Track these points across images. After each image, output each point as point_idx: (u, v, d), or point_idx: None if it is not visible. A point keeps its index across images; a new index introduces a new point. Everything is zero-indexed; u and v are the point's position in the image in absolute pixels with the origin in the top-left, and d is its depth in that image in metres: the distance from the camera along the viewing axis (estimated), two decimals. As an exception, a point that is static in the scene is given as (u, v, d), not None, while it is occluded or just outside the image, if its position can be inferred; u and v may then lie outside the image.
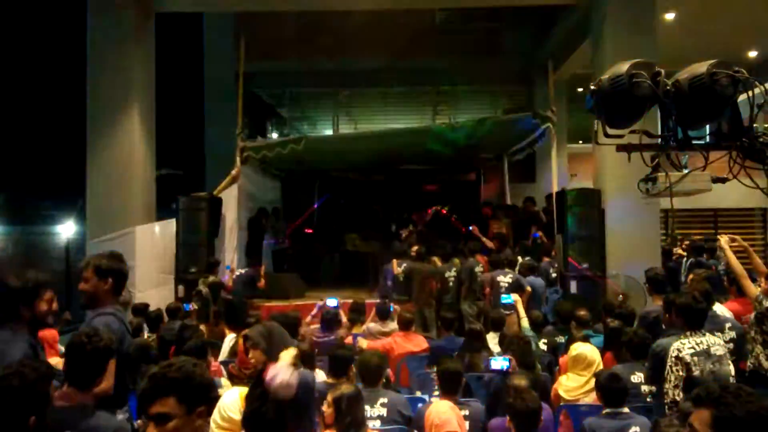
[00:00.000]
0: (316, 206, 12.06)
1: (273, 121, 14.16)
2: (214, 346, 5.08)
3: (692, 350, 3.34)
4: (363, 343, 5.31)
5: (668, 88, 2.33)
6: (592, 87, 2.39)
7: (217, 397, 2.81)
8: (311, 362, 4.30)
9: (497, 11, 11.80)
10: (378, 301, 6.66)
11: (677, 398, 3.31)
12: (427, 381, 4.79)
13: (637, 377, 3.94)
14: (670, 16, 9.76)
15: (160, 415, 1.78)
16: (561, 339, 5.38)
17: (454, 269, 7.80)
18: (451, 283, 7.71)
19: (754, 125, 2.32)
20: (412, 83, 12.83)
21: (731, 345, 4.14)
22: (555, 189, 8.38)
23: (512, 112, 11.57)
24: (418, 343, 5.42)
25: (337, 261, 11.57)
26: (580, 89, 12.38)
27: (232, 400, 3.03)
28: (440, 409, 3.32)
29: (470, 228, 9.16)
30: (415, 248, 8.13)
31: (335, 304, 6.01)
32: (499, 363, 4.20)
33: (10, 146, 10.75)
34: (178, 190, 8.82)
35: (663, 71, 2.34)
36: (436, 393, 4.00)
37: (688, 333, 3.44)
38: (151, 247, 8.08)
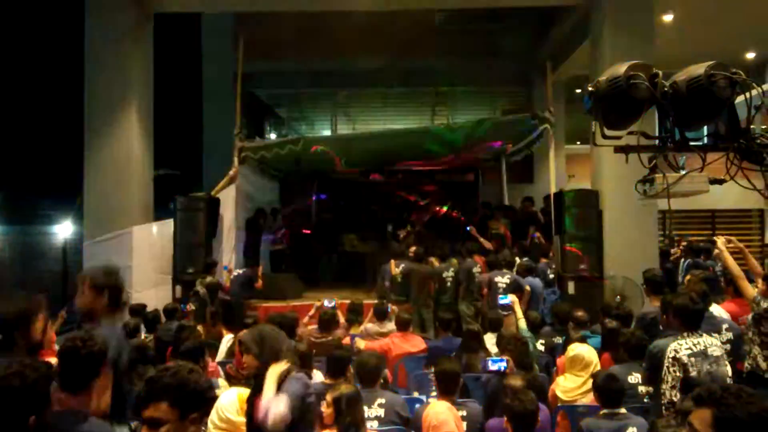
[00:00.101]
0: (313, 198, 12.10)
1: (271, 122, 14.16)
2: (212, 346, 5.07)
3: (689, 351, 3.35)
4: (361, 343, 5.32)
5: (666, 89, 2.33)
6: (590, 88, 2.39)
7: (212, 402, 2.81)
8: (309, 363, 4.31)
9: (496, 12, 11.81)
10: (376, 301, 6.65)
11: (674, 399, 3.31)
12: (424, 382, 4.80)
13: (635, 378, 3.95)
14: (668, 18, 9.77)
15: (153, 420, 1.80)
16: (558, 340, 5.39)
17: (452, 270, 7.81)
18: (448, 284, 7.72)
19: (752, 127, 2.32)
20: (410, 84, 12.83)
21: (728, 346, 4.15)
22: (553, 190, 8.39)
23: (511, 113, 11.60)
24: (415, 343, 5.42)
25: (335, 262, 11.57)
26: (578, 90, 12.41)
27: (229, 401, 3.03)
28: (438, 409, 3.32)
29: (468, 228, 9.17)
30: (413, 249, 8.14)
31: (333, 305, 6.01)
32: (496, 364, 4.20)
33: (7, 146, 10.73)
34: (175, 190, 8.81)
35: (660, 73, 2.35)
36: (434, 394, 4.00)
37: (685, 334, 3.45)
38: (148, 248, 8.06)
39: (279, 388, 2.43)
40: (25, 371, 1.90)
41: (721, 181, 2.43)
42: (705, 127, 2.63)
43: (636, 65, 2.33)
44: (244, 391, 2.93)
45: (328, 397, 3.01)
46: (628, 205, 7.14)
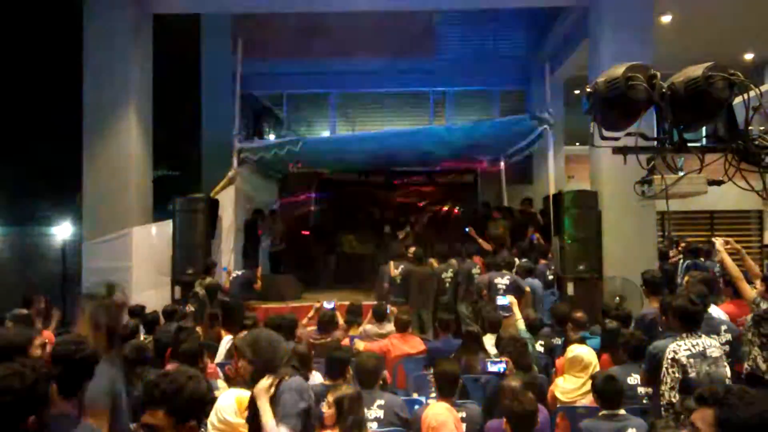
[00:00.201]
0: (313, 199, 12.11)
1: (270, 123, 14.15)
2: (211, 348, 5.07)
3: (688, 352, 3.35)
4: (360, 345, 5.31)
5: (664, 90, 2.33)
6: (588, 90, 2.39)
7: (212, 405, 2.81)
8: (308, 364, 4.31)
9: (495, 13, 11.82)
10: (375, 302, 6.65)
11: (673, 400, 3.31)
12: (423, 383, 4.79)
13: (634, 379, 3.95)
14: (666, 19, 9.79)
15: (149, 426, 1.80)
16: (558, 341, 5.39)
17: (451, 271, 7.81)
18: (447, 285, 7.72)
19: (750, 128, 2.32)
20: (409, 85, 12.83)
21: (727, 347, 4.15)
22: (552, 191, 8.39)
23: (509, 114, 11.59)
24: (414, 344, 5.42)
25: (334, 263, 11.56)
26: (577, 91, 12.42)
27: (228, 403, 3.03)
28: (437, 411, 3.31)
29: (467, 230, 9.17)
30: (412, 250, 8.14)
31: (332, 306, 6.01)
32: (496, 365, 4.20)
33: (6, 147, 10.73)
34: (174, 191, 8.80)
35: (659, 74, 2.35)
36: (433, 395, 4.00)
37: (684, 335, 3.45)
38: (147, 249, 8.06)
39: (274, 399, 2.41)
40: (24, 372, 1.90)
41: (719, 182, 2.43)
42: (704, 129, 2.64)
43: (634, 66, 2.33)
44: (242, 393, 2.93)
45: (330, 398, 3.00)
46: (627, 206, 7.16)
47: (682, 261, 8.26)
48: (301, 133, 13.00)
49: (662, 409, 3.37)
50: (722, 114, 2.36)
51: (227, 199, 8.55)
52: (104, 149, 8.18)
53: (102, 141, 8.17)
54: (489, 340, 5.20)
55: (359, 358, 3.81)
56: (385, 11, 10.02)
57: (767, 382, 4.02)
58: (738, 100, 2.33)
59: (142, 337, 5.61)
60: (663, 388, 3.37)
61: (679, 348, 3.38)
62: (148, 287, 7.86)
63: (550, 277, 7.81)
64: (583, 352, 4.28)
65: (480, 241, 8.83)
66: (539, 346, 5.26)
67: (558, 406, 4.13)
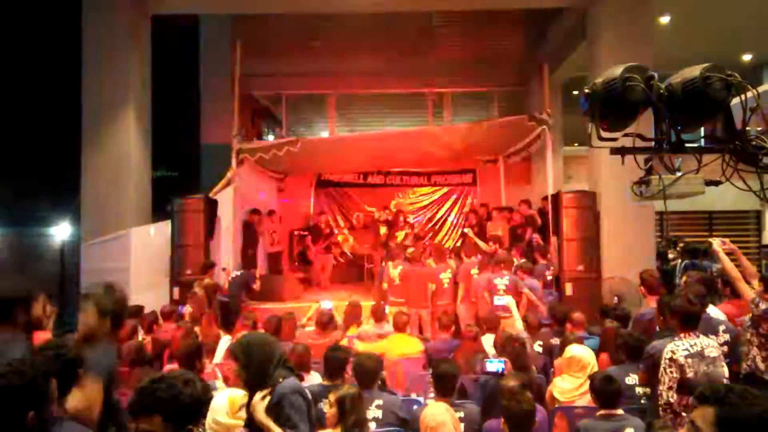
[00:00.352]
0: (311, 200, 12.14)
1: (269, 123, 14.16)
2: (209, 348, 5.06)
3: (686, 352, 3.36)
4: (358, 345, 5.32)
5: (661, 91, 2.34)
6: (586, 90, 2.40)
7: (208, 405, 2.82)
8: (307, 365, 4.32)
9: (493, 14, 11.83)
10: (373, 303, 6.66)
11: (671, 400, 3.32)
12: (422, 383, 4.80)
13: (632, 379, 3.95)
14: (664, 20, 9.81)
15: None
16: (556, 341, 5.39)
17: (450, 271, 7.81)
18: (446, 286, 7.72)
19: (747, 128, 2.33)
20: (408, 86, 12.84)
21: (725, 348, 4.16)
22: (550, 191, 8.40)
23: (508, 115, 11.60)
24: (413, 345, 5.42)
25: (333, 263, 11.57)
26: (576, 92, 12.44)
27: (220, 404, 3.04)
28: (435, 411, 3.32)
29: (465, 230, 9.18)
30: (410, 250, 8.14)
31: (330, 306, 6.01)
32: (494, 365, 4.21)
33: (4, 147, 10.72)
34: (173, 191, 8.80)
35: (656, 75, 2.35)
36: (432, 395, 4.00)
37: (682, 335, 3.46)
38: (146, 249, 8.06)
39: (271, 405, 2.42)
40: (23, 369, 1.91)
41: (717, 183, 2.44)
42: (702, 129, 2.65)
43: (632, 67, 2.33)
44: (235, 393, 2.94)
45: (331, 398, 3.01)
46: (626, 206, 7.18)
47: (680, 261, 8.27)
48: (299, 133, 13.00)
49: (660, 408, 3.38)
50: (720, 115, 2.37)
51: (226, 200, 8.56)
52: (103, 150, 8.18)
53: (101, 141, 8.17)
54: (487, 340, 5.21)
55: (358, 359, 3.81)
56: (384, 12, 10.03)
57: (766, 382, 4.03)
58: (736, 100, 2.33)
59: (140, 338, 5.61)
60: (661, 387, 3.38)
61: (677, 348, 3.39)
62: (147, 288, 7.86)
63: (549, 278, 7.82)
64: (581, 352, 4.28)
65: (478, 241, 8.84)
66: (537, 346, 5.27)
67: (556, 405, 4.13)
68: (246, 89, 11.09)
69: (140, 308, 6.58)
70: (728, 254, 4.51)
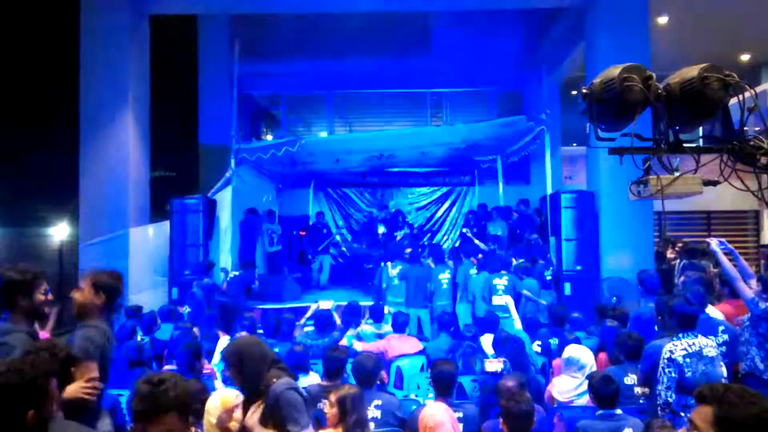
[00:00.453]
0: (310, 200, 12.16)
1: (268, 124, 14.15)
2: (208, 348, 5.06)
3: (684, 352, 3.37)
4: (357, 345, 5.32)
5: (659, 91, 2.34)
6: (584, 91, 2.40)
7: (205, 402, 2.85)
8: (306, 365, 4.32)
9: (492, 14, 11.83)
10: (372, 303, 6.66)
11: (669, 399, 3.33)
12: (421, 383, 4.80)
13: (631, 379, 3.96)
14: (663, 20, 9.82)
15: None
16: (555, 341, 5.40)
17: (448, 271, 7.82)
18: (445, 285, 7.73)
19: (745, 129, 2.34)
20: (407, 86, 12.85)
21: (724, 348, 4.17)
22: (549, 191, 8.41)
23: (507, 115, 11.61)
24: (412, 345, 5.42)
25: (333, 263, 11.57)
26: (574, 92, 12.45)
27: (212, 405, 3.05)
28: (434, 411, 3.31)
29: (464, 230, 9.18)
30: (409, 250, 8.15)
31: (330, 307, 6.01)
32: (493, 365, 4.22)
33: (3, 147, 10.70)
34: (172, 192, 8.79)
35: (654, 75, 2.36)
36: (431, 395, 4.00)
37: (680, 335, 3.47)
38: (144, 250, 8.06)
39: (268, 408, 2.44)
40: (23, 368, 1.92)
41: (715, 183, 2.44)
42: (700, 129, 2.65)
43: (630, 68, 2.34)
44: (226, 392, 2.94)
45: (332, 398, 3.01)
46: (624, 206, 7.17)
47: (679, 261, 8.28)
48: (298, 133, 13.01)
49: (658, 408, 3.39)
50: (718, 115, 2.37)
51: (225, 200, 8.56)
52: (101, 150, 8.17)
53: (99, 142, 8.17)
54: (486, 340, 5.21)
55: (357, 359, 3.81)
56: (383, 12, 10.03)
57: (765, 382, 4.03)
58: (734, 100, 2.34)
59: (139, 338, 5.61)
60: (659, 387, 3.39)
61: (676, 348, 3.40)
62: (146, 288, 7.87)
63: (549, 278, 7.83)
64: (580, 352, 4.28)
65: (477, 241, 8.85)
66: (536, 346, 5.27)
67: (555, 405, 4.14)
68: (244, 89, 11.09)
69: (139, 308, 6.57)
70: (725, 254, 4.51)
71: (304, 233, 11.16)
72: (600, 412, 3.40)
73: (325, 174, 12.04)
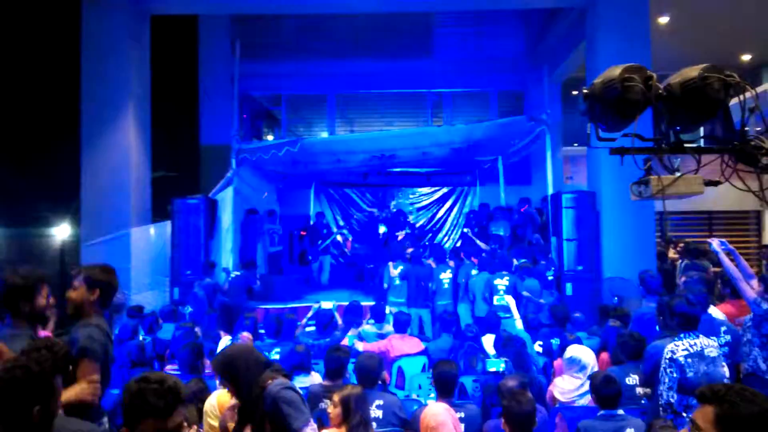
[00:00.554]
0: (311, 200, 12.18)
1: (268, 123, 14.16)
2: (209, 348, 5.07)
3: (686, 352, 3.37)
4: (359, 345, 5.32)
5: (660, 91, 2.34)
6: (585, 91, 2.40)
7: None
8: (307, 365, 4.32)
9: (493, 14, 11.84)
10: (374, 303, 6.66)
11: (671, 400, 3.32)
12: (422, 383, 4.81)
13: (632, 379, 3.96)
14: (663, 20, 9.82)
15: (179, 424, 1.91)
16: (556, 341, 5.40)
17: (449, 271, 7.82)
18: (446, 285, 7.73)
19: (746, 129, 2.33)
20: (407, 86, 12.86)
21: (726, 348, 4.16)
22: (550, 191, 8.41)
23: (507, 115, 11.61)
24: (413, 344, 5.42)
25: (334, 263, 11.58)
26: (575, 92, 12.44)
27: (210, 405, 3.06)
28: (436, 411, 3.32)
29: (465, 230, 9.18)
30: (410, 250, 8.15)
31: (331, 307, 6.01)
32: (494, 365, 4.22)
33: (4, 147, 10.71)
34: (173, 192, 8.80)
35: (655, 75, 2.36)
36: (432, 395, 4.00)
37: (682, 335, 3.47)
38: (146, 250, 8.07)
39: (265, 412, 2.43)
40: (29, 364, 1.94)
41: (715, 183, 2.44)
42: (701, 129, 2.65)
43: (631, 68, 2.34)
44: (223, 393, 2.95)
45: (335, 398, 3.02)
46: (625, 206, 7.17)
47: (680, 261, 8.28)
48: (299, 134, 13.02)
49: (660, 409, 3.38)
50: (719, 115, 2.37)
51: (226, 200, 8.56)
52: (103, 150, 8.18)
53: (101, 142, 8.17)
54: (488, 340, 5.21)
55: (359, 358, 3.81)
56: (383, 13, 10.04)
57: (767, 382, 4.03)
58: (735, 101, 2.34)
59: (140, 338, 5.62)
60: (661, 388, 3.39)
61: (677, 348, 3.40)
62: (147, 288, 7.88)
63: (550, 278, 7.83)
64: (581, 352, 4.28)
65: (478, 241, 8.85)
66: (538, 347, 5.28)
67: (556, 406, 4.14)
68: (245, 90, 11.09)
69: (141, 308, 6.58)
70: (726, 254, 4.51)
71: (304, 233, 11.17)
72: (602, 412, 3.40)
73: (326, 174, 12.04)
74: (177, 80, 11.92)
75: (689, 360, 3.34)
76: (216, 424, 2.96)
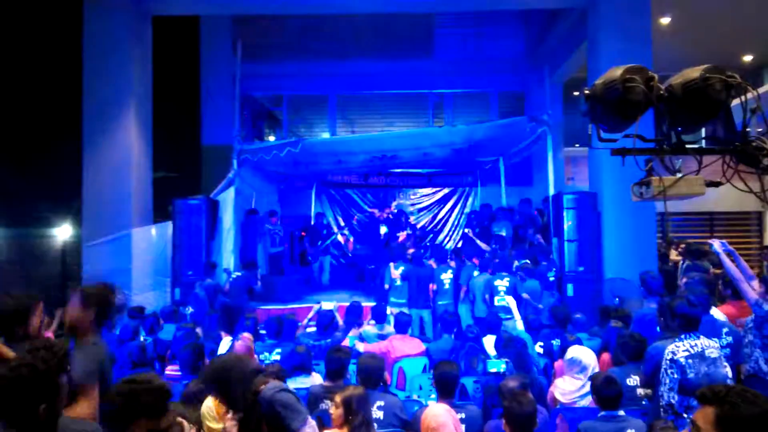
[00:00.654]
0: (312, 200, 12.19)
1: (270, 124, 14.17)
2: (210, 349, 5.07)
3: (687, 353, 3.36)
4: (360, 346, 5.32)
5: (662, 92, 2.34)
6: (587, 92, 2.40)
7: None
8: (308, 366, 4.32)
9: (494, 15, 11.84)
10: (375, 303, 6.66)
11: (672, 401, 3.32)
12: (423, 384, 4.81)
13: (633, 380, 3.95)
14: (665, 21, 9.81)
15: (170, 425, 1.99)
16: (557, 342, 5.40)
17: (450, 272, 7.82)
18: (447, 286, 7.73)
19: (747, 130, 2.33)
20: (408, 87, 12.87)
21: (728, 350, 4.15)
22: (551, 192, 8.40)
23: (509, 116, 11.61)
24: (414, 345, 5.42)
25: (335, 264, 11.58)
26: (576, 93, 12.44)
27: (207, 407, 3.06)
28: (436, 411, 3.32)
29: (465, 231, 9.18)
30: (411, 251, 8.15)
31: (332, 307, 6.01)
32: (495, 366, 4.21)
33: (5, 148, 10.73)
34: (174, 193, 8.81)
35: (656, 76, 2.36)
36: (433, 396, 4.00)
37: (682, 336, 3.46)
38: (147, 250, 8.08)
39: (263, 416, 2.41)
40: (35, 362, 1.95)
41: (717, 184, 2.44)
42: (702, 130, 2.65)
43: (632, 68, 2.34)
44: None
45: (337, 399, 3.02)
46: (627, 207, 7.17)
47: (682, 262, 8.27)
48: (301, 134, 13.02)
49: (661, 410, 3.38)
50: (720, 116, 2.37)
51: (227, 201, 8.56)
52: (104, 151, 8.19)
53: (102, 142, 8.19)
54: (488, 341, 5.21)
55: (362, 359, 3.81)
56: (385, 14, 10.04)
57: (769, 383, 4.03)
58: (736, 101, 2.34)
59: (141, 338, 5.62)
60: (662, 389, 3.39)
61: (678, 349, 3.39)
62: (148, 289, 7.88)
63: (552, 278, 7.83)
64: (582, 353, 4.28)
65: (478, 242, 8.84)
66: (539, 347, 5.27)
67: (557, 407, 4.13)
68: (246, 90, 11.10)
69: (142, 309, 6.59)
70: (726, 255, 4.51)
71: (304, 234, 11.17)
72: (602, 413, 3.40)
73: (327, 175, 12.05)
74: (178, 81, 11.94)
75: (690, 361, 3.34)
76: (213, 425, 2.95)
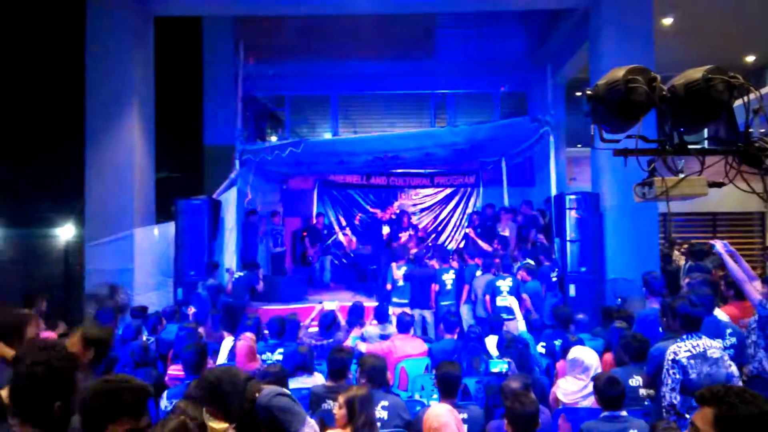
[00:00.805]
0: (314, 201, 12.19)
1: (272, 124, 14.18)
2: (213, 349, 5.08)
3: (689, 353, 3.36)
4: (362, 346, 5.33)
5: (664, 93, 2.34)
6: (589, 92, 2.40)
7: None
8: (310, 366, 4.33)
9: (496, 15, 11.84)
10: (377, 304, 6.67)
11: (674, 401, 3.32)
12: (425, 384, 4.81)
13: (635, 381, 3.95)
14: (667, 21, 9.80)
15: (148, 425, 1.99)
16: (559, 342, 5.40)
17: (453, 272, 7.82)
18: (449, 287, 7.73)
19: (750, 130, 2.33)
20: (410, 87, 12.87)
21: (732, 351, 4.14)
22: (553, 192, 8.40)
23: (511, 116, 11.61)
24: (416, 346, 5.43)
25: (336, 264, 11.58)
26: (578, 93, 12.42)
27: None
28: (439, 412, 3.32)
29: (467, 231, 9.18)
30: (414, 251, 8.16)
31: (334, 308, 6.02)
32: (497, 366, 4.22)
33: (8, 148, 10.76)
34: (177, 193, 8.82)
35: (659, 76, 2.36)
36: (435, 396, 4.01)
37: (684, 336, 3.46)
38: (149, 250, 8.09)
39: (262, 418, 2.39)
40: (50, 360, 1.97)
41: (719, 184, 2.44)
42: (705, 131, 2.65)
43: (634, 69, 2.33)
44: None
45: (341, 399, 3.02)
46: (629, 207, 7.17)
47: (684, 262, 8.26)
48: (303, 135, 13.04)
49: (663, 410, 3.38)
50: (723, 116, 2.37)
51: (229, 201, 8.58)
52: (107, 151, 8.21)
53: (104, 142, 8.21)
54: (491, 342, 5.21)
55: (367, 358, 3.82)
56: (386, 14, 10.05)
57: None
58: (739, 102, 2.33)
59: (144, 338, 5.63)
60: (664, 389, 3.38)
61: (680, 349, 3.39)
62: (151, 288, 7.90)
63: (554, 279, 7.83)
64: (585, 354, 4.28)
65: (480, 242, 8.84)
66: (541, 348, 5.27)
67: (559, 407, 4.13)
68: (249, 91, 11.10)
69: (144, 308, 6.60)
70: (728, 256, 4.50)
71: (305, 234, 11.19)
72: (605, 413, 3.40)
73: (329, 175, 12.05)
74: (181, 81, 11.96)
75: (692, 361, 3.34)
76: (214, 425, 2.95)
